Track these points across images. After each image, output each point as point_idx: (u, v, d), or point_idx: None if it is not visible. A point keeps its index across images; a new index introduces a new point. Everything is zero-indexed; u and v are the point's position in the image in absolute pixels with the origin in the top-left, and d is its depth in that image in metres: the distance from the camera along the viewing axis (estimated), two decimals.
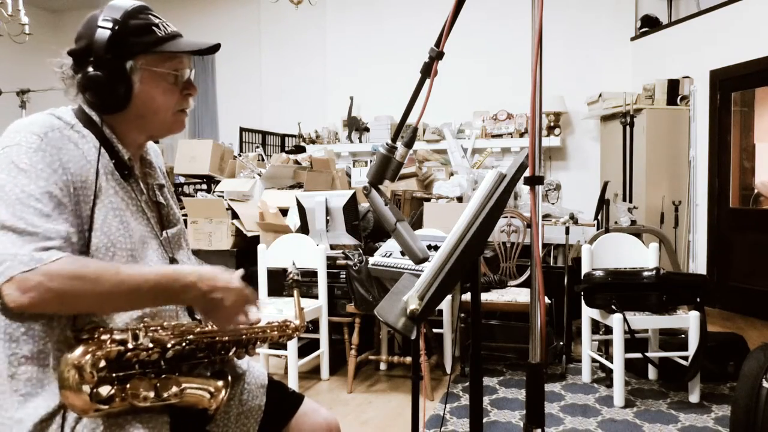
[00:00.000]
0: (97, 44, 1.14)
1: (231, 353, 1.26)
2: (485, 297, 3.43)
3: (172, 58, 1.22)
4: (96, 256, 1.09)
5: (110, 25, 1.14)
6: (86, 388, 1.01)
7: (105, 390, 1.04)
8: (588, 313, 3.24)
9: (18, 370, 1.06)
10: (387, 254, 2.62)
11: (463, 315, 3.40)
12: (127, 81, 1.17)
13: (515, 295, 3.50)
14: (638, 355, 3.08)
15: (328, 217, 3.58)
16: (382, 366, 3.59)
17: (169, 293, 1.10)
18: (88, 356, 1.02)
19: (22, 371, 1.06)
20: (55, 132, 1.12)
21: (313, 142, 7.14)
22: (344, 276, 3.35)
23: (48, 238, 1.01)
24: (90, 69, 1.14)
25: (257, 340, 1.32)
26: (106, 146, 1.18)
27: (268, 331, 1.34)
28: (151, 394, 1.09)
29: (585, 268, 3.20)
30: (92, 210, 1.11)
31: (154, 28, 1.19)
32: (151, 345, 1.09)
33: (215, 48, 1.25)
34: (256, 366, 1.40)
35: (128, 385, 1.06)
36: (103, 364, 1.03)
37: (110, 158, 1.18)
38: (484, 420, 2.75)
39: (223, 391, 1.21)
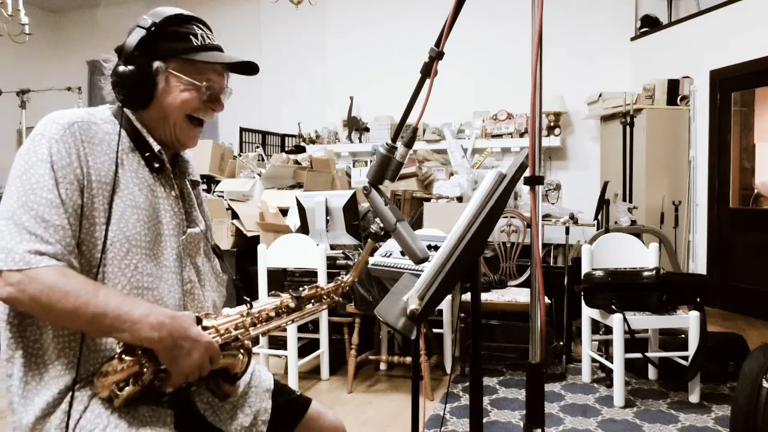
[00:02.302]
0: (130, 42, 1.18)
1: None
2: (485, 297, 3.43)
3: (205, 70, 1.23)
4: (111, 250, 1.11)
5: (147, 26, 1.19)
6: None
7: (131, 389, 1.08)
8: (588, 313, 3.24)
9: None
10: (387, 254, 2.61)
11: (463, 315, 3.40)
12: (151, 80, 1.18)
13: (515, 295, 3.50)
14: (638, 355, 3.08)
15: (328, 217, 3.58)
16: (382, 366, 3.59)
17: (118, 331, 1.04)
18: (114, 384, 1.06)
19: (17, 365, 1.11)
20: (83, 124, 1.14)
21: (313, 142, 7.14)
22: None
23: (44, 242, 1.03)
24: (121, 65, 1.18)
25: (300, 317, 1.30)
26: (137, 140, 1.20)
27: (313, 302, 1.32)
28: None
29: (585, 268, 3.20)
30: (110, 204, 1.12)
31: (191, 37, 1.21)
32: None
33: (249, 66, 1.27)
34: (263, 370, 1.42)
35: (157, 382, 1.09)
36: (130, 387, 1.07)
37: (141, 152, 1.20)
38: (484, 420, 2.75)
39: (241, 356, 1.19)
